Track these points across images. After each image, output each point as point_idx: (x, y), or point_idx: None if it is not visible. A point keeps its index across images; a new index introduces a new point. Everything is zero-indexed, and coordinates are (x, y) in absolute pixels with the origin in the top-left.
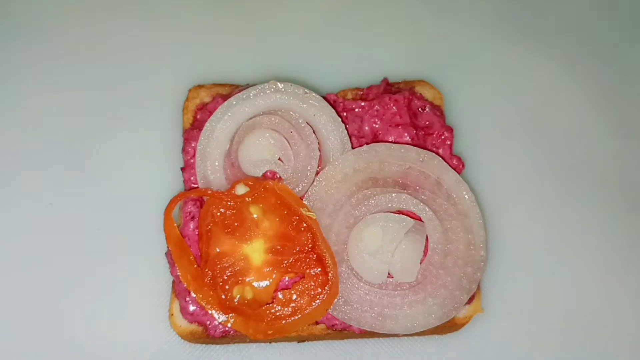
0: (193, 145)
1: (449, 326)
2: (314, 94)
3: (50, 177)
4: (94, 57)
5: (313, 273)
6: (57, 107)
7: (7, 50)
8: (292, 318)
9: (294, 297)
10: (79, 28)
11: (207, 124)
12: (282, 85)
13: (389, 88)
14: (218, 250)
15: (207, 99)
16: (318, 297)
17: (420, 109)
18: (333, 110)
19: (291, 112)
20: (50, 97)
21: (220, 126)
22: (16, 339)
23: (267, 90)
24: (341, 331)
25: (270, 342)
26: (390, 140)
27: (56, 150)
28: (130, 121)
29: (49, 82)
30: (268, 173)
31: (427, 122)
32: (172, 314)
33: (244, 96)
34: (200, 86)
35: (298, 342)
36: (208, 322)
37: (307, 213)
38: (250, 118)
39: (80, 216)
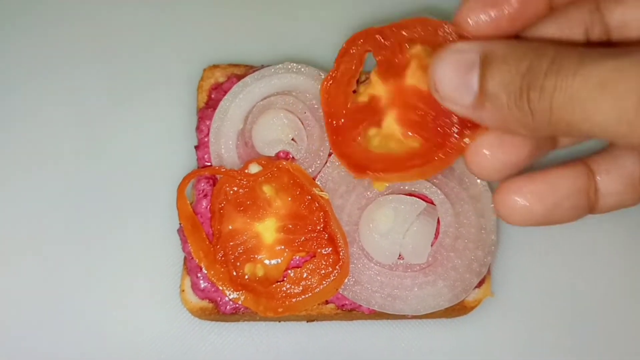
0: (207, 124)
1: (458, 309)
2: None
3: (64, 154)
4: (110, 36)
5: (324, 252)
6: (72, 84)
7: (24, 26)
8: (303, 296)
9: (305, 275)
10: (95, 6)
11: (221, 103)
12: (297, 66)
13: None
14: (230, 227)
15: (221, 79)
16: (329, 276)
17: None
18: None
19: (306, 94)
20: (66, 75)
21: (235, 105)
22: (24, 314)
23: (281, 71)
24: (350, 311)
25: (279, 321)
26: None
27: (71, 127)
28: (145, 100)
29: (65, 60)
30: (281, 153)
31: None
32: (183, 290)
33: (259, 76)
34: (215, 66)
35: (307, 322)
36: (219, 299)
37: (320, 193)
38: (265, 98)
39: (94, 192)
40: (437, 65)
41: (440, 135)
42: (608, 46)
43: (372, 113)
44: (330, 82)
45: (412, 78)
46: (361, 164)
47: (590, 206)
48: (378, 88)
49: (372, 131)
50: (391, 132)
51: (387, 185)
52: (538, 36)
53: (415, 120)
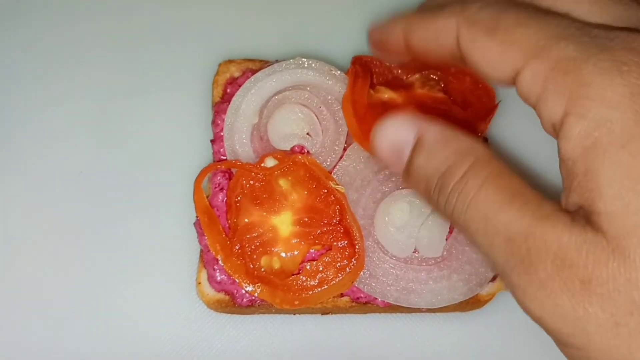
0: (223, 118)
1: (472, 303)
2: (339, 72)
3: (81, 147)
4: (126, 29)
5: (340, 245)
6: (87, 77)
7: (39, 19)
8: (319, 289)
9: (321, 268)
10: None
11: (234, 99)
12: (307, 61)
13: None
14: (247, 220)
15: (237, 74)
16: (344, 269)
17: None
18: None
19: (320, 89)
20: (81, 69)
21: (247, 100)
22: (38, 306)
23: (293, 66)
24: (365, 304)
25: (294, 314)
26: None
27: (87, 121)
28: (161, 94)
29: (80, 54)
30: (296, 147)
31: None
32: (199, 283)
33: (270, 71)
34: (230, 61)
35: (322, 315)
36: (235, 291)
37: (336, 186)
38: (279, 93)
39: (110, 185)
40: (377, 133)
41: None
42: None
43: (390, 108)
44: (354, 76)
45: (421, 90)
46: None
47: None
48: (389, 94)
49: None
50: None
51: None
52: None
53: (438, 114)
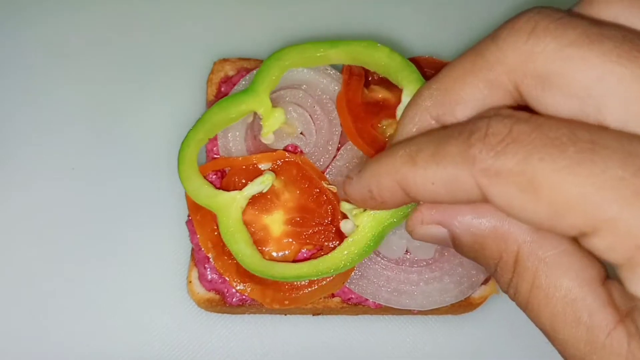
0: None
1: (464, 306)
2: (334, 70)
3: (74, 143)
4: (120, 27)
5: (332, 246)
6: (80, 74)
7: (33, 14)
8: (309, 289)
9: None
10: None
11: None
12: None
13: None
14: None
15: (231, 72)
16: None
17: None
18: None
19: (316, 89)
20: (74, 65)
21: None
22: (29, 301)
23: None
24: (356, 305)
25: (285, 315)
26: None
27: (79, 118)
28: (155, 92)
29: (73, 50)
30: (289, 147)
31: None
32: (190, 281)
33: None
34: (225, 59)
35: (313, 315)
36: (225, 290)
37: (328, 186)
38: (273, 92)
39: (102, 182)
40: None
41: None
42: None
43: (384, 108)
44: (348, 74)
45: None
46: None
47: None
48: (383, 93)
49: (386, 122)
50: None
51: None
52: None
53: None
